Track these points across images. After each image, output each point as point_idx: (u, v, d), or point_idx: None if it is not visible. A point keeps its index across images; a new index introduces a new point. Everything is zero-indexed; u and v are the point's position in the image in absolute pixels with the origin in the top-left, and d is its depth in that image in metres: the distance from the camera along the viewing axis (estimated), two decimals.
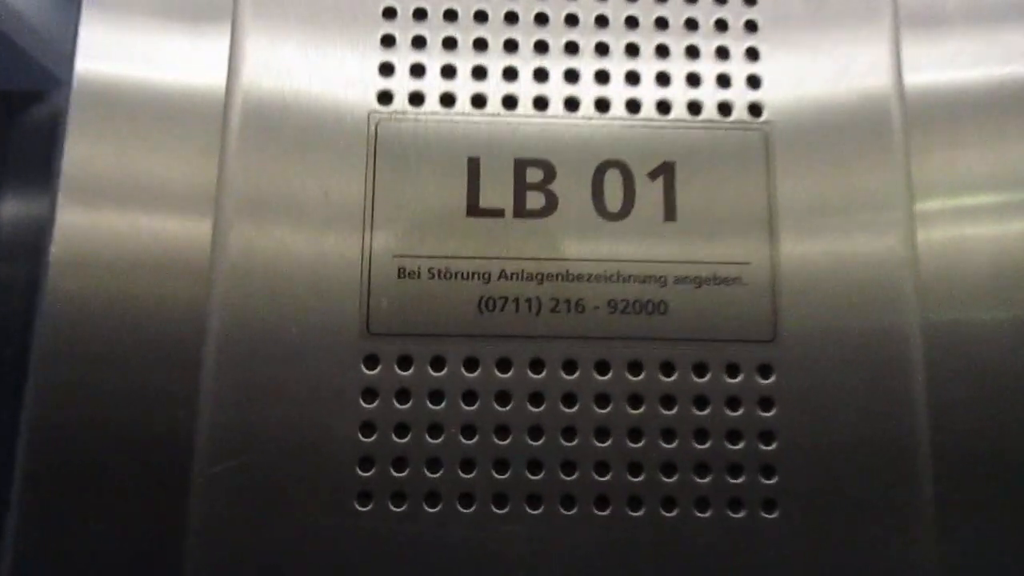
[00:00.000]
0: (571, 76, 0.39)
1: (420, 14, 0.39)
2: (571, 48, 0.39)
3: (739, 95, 0.39)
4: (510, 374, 0.36)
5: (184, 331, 0.35)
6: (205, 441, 0.35)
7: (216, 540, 0.35)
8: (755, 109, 0.39)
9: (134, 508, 0.35)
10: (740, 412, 0.36)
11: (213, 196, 0.36)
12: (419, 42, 0.39)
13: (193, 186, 0.36)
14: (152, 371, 0.35)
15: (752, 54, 0.39)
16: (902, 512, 0.36)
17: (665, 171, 0.38)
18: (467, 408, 0.36)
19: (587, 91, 0.39)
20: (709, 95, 0.39)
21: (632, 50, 0.39)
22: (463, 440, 0.36)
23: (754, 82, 0.39)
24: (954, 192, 0.38)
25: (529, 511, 0.35)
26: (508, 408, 0.36)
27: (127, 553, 0.35)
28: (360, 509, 0.35)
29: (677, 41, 0.39)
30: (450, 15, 0.39)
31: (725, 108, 0.39)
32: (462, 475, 0.36)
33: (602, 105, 0.39)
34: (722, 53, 0.39)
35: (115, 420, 0.35)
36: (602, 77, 0.39)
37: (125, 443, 0.35)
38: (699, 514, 0.36)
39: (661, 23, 0.40)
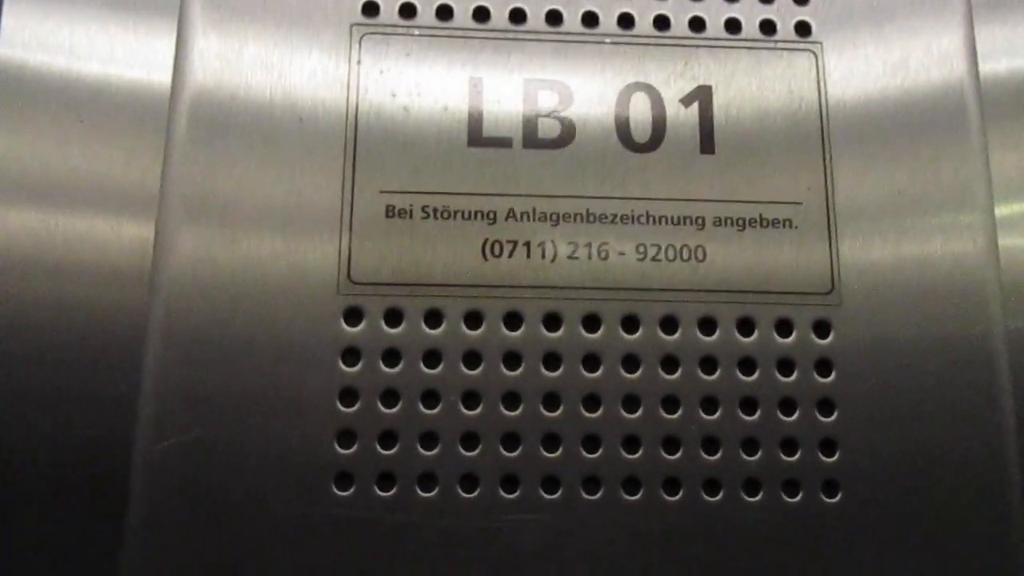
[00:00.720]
0: None
1: None
2: None
3: (783, 11, 0.33)
4: (520, 331, 0.30)
5: (128, 294, 0.29)
6: (151, 413, 0.29)
7: (159, 542, 0.28)
8: (803, 27, 0.33)
9: (66, 508, 0.28)
10: (794, 377, 0.30)
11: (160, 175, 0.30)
12: None
13: (138, 172, 0.30)
14: (94, 333, 0.29)
15: None
16: (988, 515, 0.30)
17: (700, 96, 0.32)
18: (469, 372, 0.30)
19: (608, 4, 0.33)
20: (748, 11, 0.33)
21: None
22: (464, 410, 0.30)
23: None
24: None
25: (545, 495, 0.29)
26: (518, 372, 0.30)
27: (60, 558, 0.28)
28: (339, 494, 0.29)
29: None
30: None
31: (768, 26, 0.33)
32: (463, 452, 0.29)
33: (625, 21, 0.33)
34: None
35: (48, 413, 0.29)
36: None
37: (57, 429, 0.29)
38: (748, 498, 0.30)
39: None
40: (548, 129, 0.32)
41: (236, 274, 0.30)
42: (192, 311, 0.29)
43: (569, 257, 0.31)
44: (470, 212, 0.31)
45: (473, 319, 0.30)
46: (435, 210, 0.31)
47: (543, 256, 0.31)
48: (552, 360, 0.30)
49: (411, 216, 0.31)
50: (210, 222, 0.30)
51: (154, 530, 0.28)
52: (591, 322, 0.30)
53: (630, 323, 0.30)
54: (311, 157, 0.31)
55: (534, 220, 0.31)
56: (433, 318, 0.30)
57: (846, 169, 0.32)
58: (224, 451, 0.29)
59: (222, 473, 0.29)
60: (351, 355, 0.30)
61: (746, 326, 0.31)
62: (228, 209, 0.30)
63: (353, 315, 0.30)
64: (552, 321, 0.30)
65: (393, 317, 0.30)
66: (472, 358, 0.30)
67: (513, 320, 0.30)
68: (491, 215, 0.31)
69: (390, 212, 0.30)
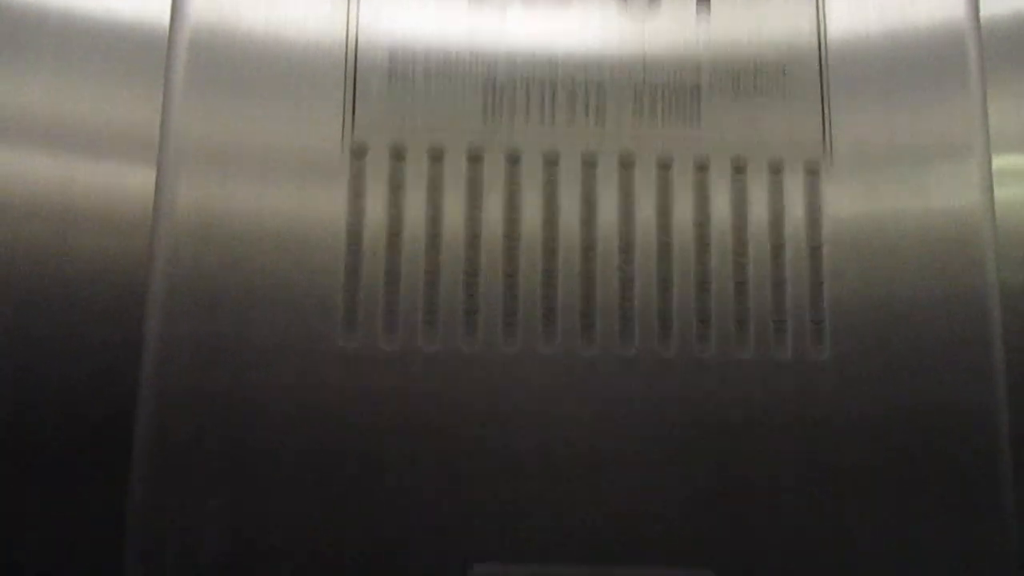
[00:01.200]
0: None
1: None
2: None
3: None
4: (519, 174, 0.31)
5: (130, 238, 0.30)
6: (155, 350, 0.29)
7: (166, 475, 0.29)
8: None
9: (72, 452, 0.29)
10: (786, 217, 0.31)
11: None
12: None
13: (138, 111, 0.31)
14: (96, 277, 0.30)
15: None
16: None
17: None
18: (470, 212, 0.31)
19: None
20: None
21: None
22: (465, 251, 0.31)
23: None
24: None
25: (544, 335, 0.30)
26: (517, 213, 0.31)
27: (68, 495, 0.29)
28: (344, 334, 0.30)
29: None
30: None
31: None
32: (466, 291, 0.30)
33: None
34: None
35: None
36: None
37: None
38: (738, 343, 0.31)
39: None
40: None
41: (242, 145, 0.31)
42: (194, 241, 0.30)
43: (567, 115, 0.32)
44: (471, 69, 0.32)
45: (474, 165, 0.31)
46: (437, 68, 0.31)
47: (542, 112, 0.32)
48: (551, 203, 0.31)
49: (413, 76, 0.31)
50: (212, 149, 0.31)
51: (160, 468, 0.29)
52: (589, 167, 0.31)
53: (626, 169, 0.31)
54: (316, 11, 0.32)
55: (533, 77, 0.32)
56: (435, 156, 0.31)
57: (840, 27, 0.33)
58: (233, 268, 0.30)
59: (229, 295, 0.30)
60: (356, 199, 0.30)
61: (739, 170, 0.31)
62: (230, 136, 0.31)
63: (358, 155, 0.31)
64: (551, 162, 0.31)
65: (397, 152, 0.31)
66: (474, 199, 0.31)
67: (513, 166, 0.31)
68: (491, 72, 0.32)
69: (393, 66, 0.31)
